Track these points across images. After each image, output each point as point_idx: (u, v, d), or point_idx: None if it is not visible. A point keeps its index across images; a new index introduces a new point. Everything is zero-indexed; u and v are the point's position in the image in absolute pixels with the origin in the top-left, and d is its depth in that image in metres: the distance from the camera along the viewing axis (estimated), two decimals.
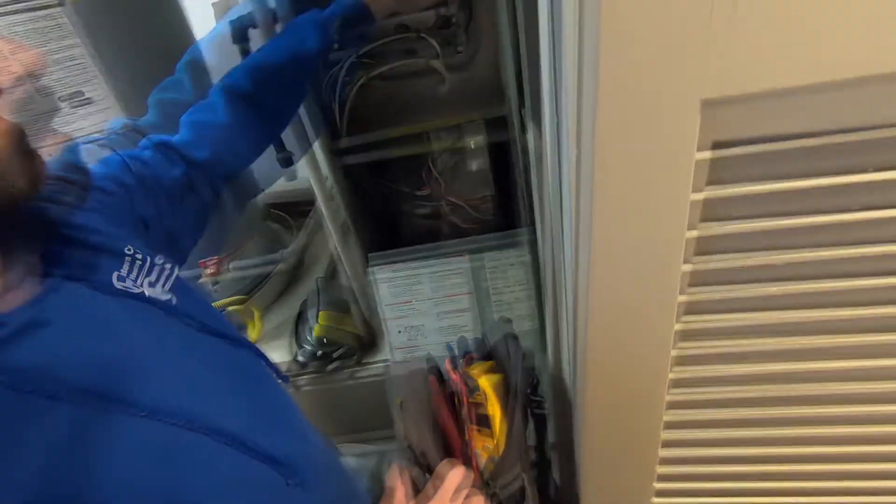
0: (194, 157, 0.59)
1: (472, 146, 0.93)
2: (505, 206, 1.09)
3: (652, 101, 0.31)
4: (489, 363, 0.62)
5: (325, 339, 1.14)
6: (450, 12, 0.90)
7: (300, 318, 1.21)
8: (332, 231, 1.06)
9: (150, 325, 0.43)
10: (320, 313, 1.15)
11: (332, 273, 1.52)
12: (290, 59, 0.66)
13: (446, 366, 0.63)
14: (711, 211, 0.37)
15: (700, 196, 0.36)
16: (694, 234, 0.38)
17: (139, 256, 0.45)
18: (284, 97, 0.68)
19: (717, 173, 0.35)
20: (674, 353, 0.45)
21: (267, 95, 0.65)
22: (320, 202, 1.03)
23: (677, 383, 0.47)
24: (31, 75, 0.36)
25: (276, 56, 0.66)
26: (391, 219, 1.19)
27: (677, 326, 0.43)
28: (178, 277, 0.49)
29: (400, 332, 1.09)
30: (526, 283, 1.03)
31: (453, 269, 1.04)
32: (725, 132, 0.33)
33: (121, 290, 0.42)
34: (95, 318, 0.39)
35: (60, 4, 0.96)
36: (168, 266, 0.48)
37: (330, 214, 1.05)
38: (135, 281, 0.43)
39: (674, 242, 0.38)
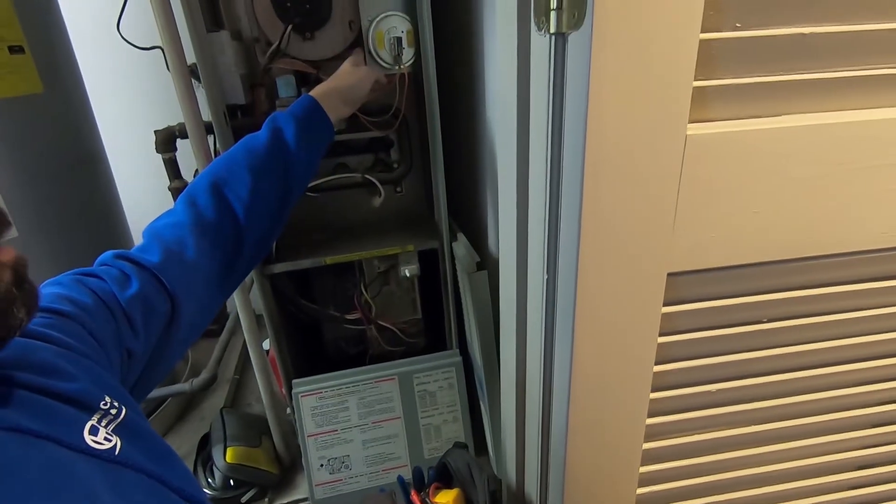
0: (146, 262, 0.54)
1: (408, 275, 1.00)
2: (433, 329, 1.14)
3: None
4: (455, 491, 0.62)
5: (231, 480, 1.01)
6: (391, 158, 1.01)
7: (201, 454, 1.07)
8: (253, 356, 1.01)
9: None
10: (228, 450, 1.03)
11: (232, 400, 1.38)
12: (243, 150, 0.66)
13: (413, 497, 0.62)
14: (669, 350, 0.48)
15: (665, 340, 0.46)
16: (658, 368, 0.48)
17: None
18: (239, 191, 0.64)
19: (675, 322, 0.46)
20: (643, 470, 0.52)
21: (224, 187, 0.63)
22: (244, 326, 0.99)
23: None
24: None
25: (232, 149, 0.67)
26: (317, 343, 1.16)
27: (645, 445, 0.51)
28: (128, 419, 0.44)
29: (322, 465, 1.02)
30: (454, 405, 1.06)
31: (382, 394, 1.03)
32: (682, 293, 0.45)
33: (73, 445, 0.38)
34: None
35: None
36: (115, 408, 0.43)
37: (252, 339, 1.01)
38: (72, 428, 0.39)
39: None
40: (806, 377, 0.52)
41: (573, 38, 0.38)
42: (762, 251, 0.45)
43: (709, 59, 0.38)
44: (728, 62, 0.39)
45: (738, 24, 0.38)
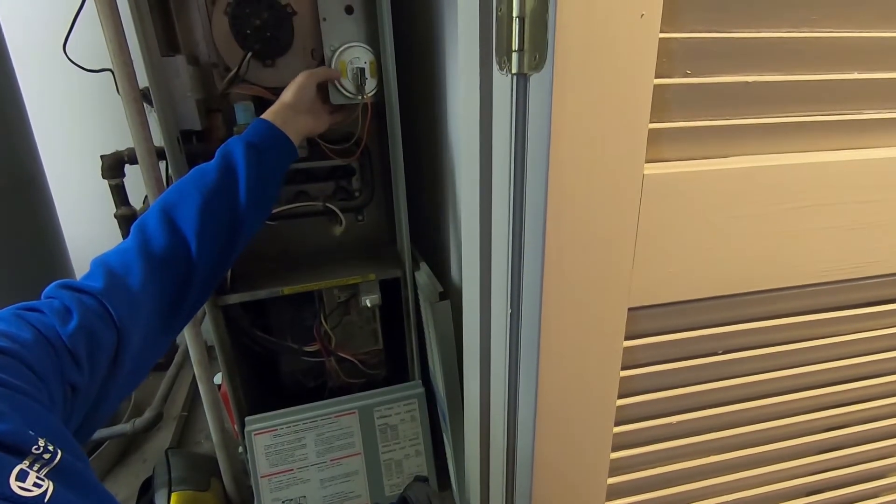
0: (90, 289, 0.52)
1: (369, 304, 0.98)
2: (394, 360, 1.12)
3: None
4: None
5: None
6: (352, 186, 1.00)
7: (142, 500, 0.99)
8: (203, 392, 0.95)
9: None
10: (173, 495, 0.96)
11: (178, 440, 1.29)
12: (193, 176, 0.65)
13: None
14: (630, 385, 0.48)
15: (626, 373, 0.47)
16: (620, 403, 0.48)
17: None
18: (188, 214, 0.62)
19: (635, 355, 0.47)
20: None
21: (172, 211, 0.61)
22: (194, 359, 0.94)
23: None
24: None
25: (184, 177, 0.65)
26: (273, 376, 1.11)
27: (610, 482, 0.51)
28: (64, 462, 0.41)
29: None
30: (416, 438, 1.03)
31: (342, 429, 1.00)
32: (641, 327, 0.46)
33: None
34: None
35: None
36: (49, 451, 0.40)
37: (203, 373, 0.95)
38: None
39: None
40: (758, 406, 0.53)
41: (535, 79, 0.39)
42: (715, 286, 0.46)
43: (662, 102, 0.40)
44: (680, 106, 0.41)
45: (688, 71, 0.40)
